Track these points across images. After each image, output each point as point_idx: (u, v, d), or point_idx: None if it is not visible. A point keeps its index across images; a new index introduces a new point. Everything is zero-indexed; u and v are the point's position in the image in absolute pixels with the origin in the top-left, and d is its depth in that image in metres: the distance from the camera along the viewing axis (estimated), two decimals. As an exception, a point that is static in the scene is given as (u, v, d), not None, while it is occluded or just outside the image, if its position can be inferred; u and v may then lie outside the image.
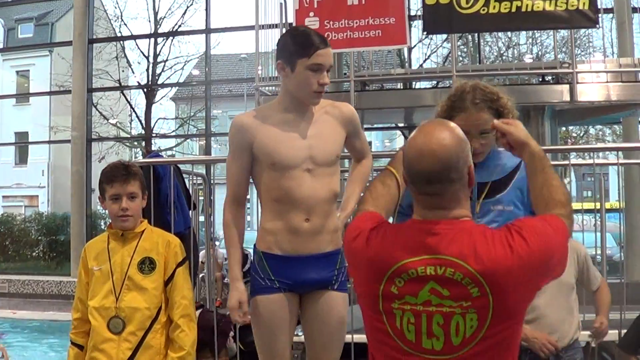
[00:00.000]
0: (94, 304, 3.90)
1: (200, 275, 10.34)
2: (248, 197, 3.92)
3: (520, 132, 2.69)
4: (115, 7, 23.55)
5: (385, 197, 2.74)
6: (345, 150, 3.99)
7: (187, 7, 22.83)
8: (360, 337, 4.03)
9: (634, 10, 13.75)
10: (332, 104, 3.84)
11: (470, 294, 2.22)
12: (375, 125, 19.32)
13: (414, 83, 13.98)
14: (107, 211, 4.02)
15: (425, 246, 2.29)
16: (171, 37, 23.02)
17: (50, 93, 30.20)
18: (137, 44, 23.20)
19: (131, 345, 3.81)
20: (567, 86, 8.89)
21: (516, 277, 2.24)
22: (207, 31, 19.56)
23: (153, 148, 22.12)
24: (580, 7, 8.35)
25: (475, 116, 3.37)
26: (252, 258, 3.95)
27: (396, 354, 2.36)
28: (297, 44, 3.59)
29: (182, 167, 7.26)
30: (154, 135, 23.23)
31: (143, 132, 22.90)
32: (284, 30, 9.85)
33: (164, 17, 23.14)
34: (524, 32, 20.98)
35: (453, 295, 2.23)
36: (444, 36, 17.61)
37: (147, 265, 3.91)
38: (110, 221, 4.04)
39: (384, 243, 2.37)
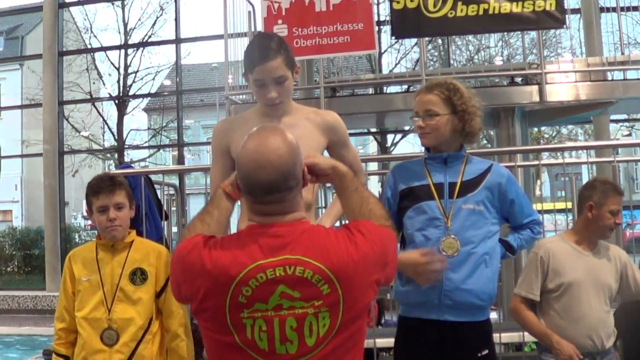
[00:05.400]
0: (83, 314, 3.87)
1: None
2: None
3: (322, 159, 2.73)
4: (85, 19, 23.53)
5: (219, 222, 2.61)
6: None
7: (157, 17, 22.91)
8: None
9: (602, 10, 13.86)
10: (316, 111, 3.79)
11: (321, 291, 2.27)
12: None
13: (385, 88, 14.02)
14: (97, 224, 3.97)
15: (271, 248, 2.30)
16: (141, 48, 23.01)
17: (21, 107, 29.90)
18: (107, 56, 23.17)
19: (124, 356, 3.80)
20: (537, 87, 8.92)
21: (362, 271, 2.33)
22: (177, 41, 19.62)
23: (126, 159, 22.08)
24: (547, 8, 8.40)
25: (422, 96, 3.64)
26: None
27: None
28: (245, 58, 3.62)
29: (154, 177, 7.24)
30: (126, 146, 23.19)
31: (115, 143, 22.83)
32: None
33: (134, 28, 23.21)
34: (494, 35, 21.10)
35: (304, 296, 2.27)
36: (415, 40, 17.68)
37: (138, 276, 3.90)
38: (99, 233, 4.01)
39: (225, 253, 2.33)
